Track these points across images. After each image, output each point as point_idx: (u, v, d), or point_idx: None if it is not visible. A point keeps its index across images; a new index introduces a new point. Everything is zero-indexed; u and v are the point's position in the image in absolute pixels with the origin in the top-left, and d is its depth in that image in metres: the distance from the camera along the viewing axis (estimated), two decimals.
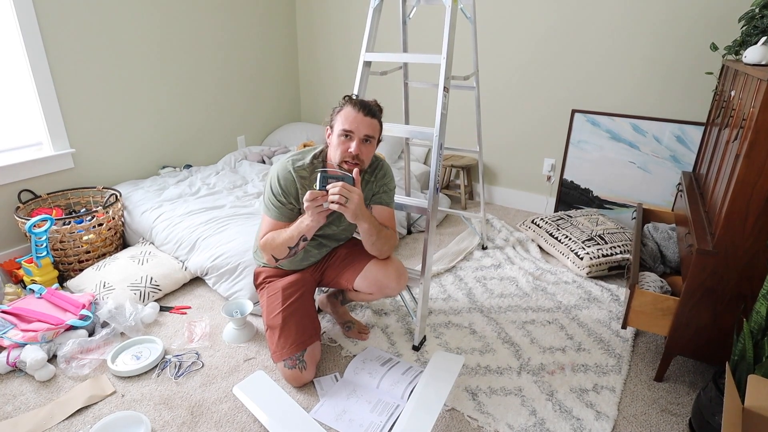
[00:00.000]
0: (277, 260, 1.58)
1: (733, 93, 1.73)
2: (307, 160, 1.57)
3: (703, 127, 2.51)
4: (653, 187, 2.74)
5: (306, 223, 1.45)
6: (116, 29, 2.59)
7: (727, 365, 1.23)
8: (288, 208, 1.56)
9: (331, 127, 1.54)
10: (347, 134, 1.48)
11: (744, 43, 1.92)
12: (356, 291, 1.71)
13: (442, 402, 1.41)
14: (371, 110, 1.51)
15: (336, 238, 1.73)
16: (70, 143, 2.49)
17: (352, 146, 1.48)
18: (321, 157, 1.60)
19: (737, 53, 1.97)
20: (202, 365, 1.71)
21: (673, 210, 2.41)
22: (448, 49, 1.64)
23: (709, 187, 1.80)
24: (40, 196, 2.37)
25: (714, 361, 1.57)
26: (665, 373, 1.67)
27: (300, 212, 1.57)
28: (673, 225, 2.19)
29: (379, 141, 1.57)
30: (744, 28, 1.94)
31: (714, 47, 2.12)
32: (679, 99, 2.56)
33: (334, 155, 1.52)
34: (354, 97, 1.54)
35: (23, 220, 2.08)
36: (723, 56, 2.15)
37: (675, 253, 2.04)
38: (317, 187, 1.37)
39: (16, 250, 2.35)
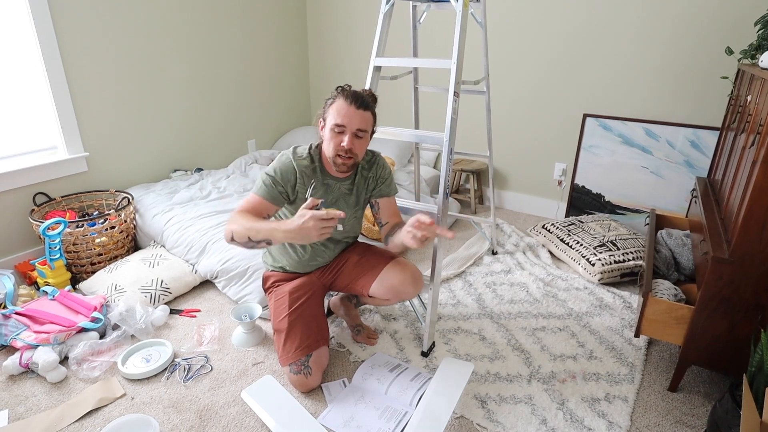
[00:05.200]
0: (233, 239, 1.44)
1: (749, 98, 1.69)
2: (306, 150, 1.57)
3: (718, 132, 2.47)
4: (667, 192, 2.70)
5: (286, 229, 1.31)
6: (131, 35, 2.62)
7: (744, 377, 1.20)
8: (278, 190, 1.51)
9: (324, 120, 1.51)
10: (339, 128, 1.46)
11: (760, 47, 1.89)
12: (371, 297, 1.71)
13: (451, 410, 1.40)
14: (364, 102, 1.46)
15: (339, 238, 1.72)
16: (84, 147, 2.52)
17: (345, 140, 1.46)
18: (318, 150, 1.59)
19: (753, 57, 1.94)
20: (211, 369, 1.72)
21: (687, 216, 2.37)
22: (458, 53, 1.64)
23: (724, 194, 1.76)
24: (55, 199, 2.41)
25: (730, 372, 1.54)
26: (680, 383, 1.63)
27: (289, 201, 1.55)
28: (688, 231, 2.15)
29: (372, 132, 1.54)
30: (760, 31, 1.91)
31: (729, 51, 2.08)
32: (694, 103, 2.53)
33: (327, 149, 1.51)
34: (347, 88, 1.49)
35: (37, 223, 2.12)
36: (739, 60, 2.11)
37: (689, 260, 2.00)
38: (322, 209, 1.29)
39: (31, 252, 2.38)
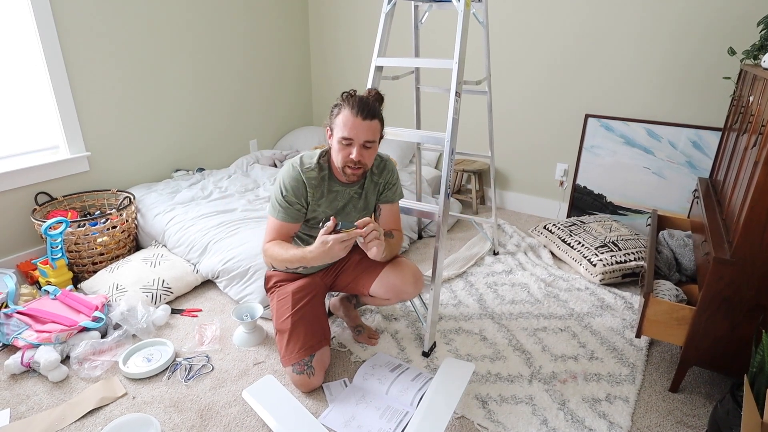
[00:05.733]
0: (274, 268, 1.59)
1: (751, 98, 1.69)
2: (314, 160, 1.56)
3: (720, 133, 2.47)
4: (668, 193, 2.69)
5: (313, 257, 1.42)
6: (133, 35, 2.63)
7: (745, 378, 1.20)
8: (295, 209, 1.54)
9: (331, 129, 1.51)
10: (347, 141, 1.46)
11: (763, 47, 1.88)
12: (372, 296, 1.71)
13: (452, 410, 1.40)
14: (370, 111, 1.45)
15: None
16: (86, 147, 2.53)
17: (353, 153, 1.46)
18: (327, 157, 1.59)
19: (756, 58, 1.93)
20: (212, 368, 1.72)
21: (688, 217, 2.37)
22: (460, 53, 1.64)
23: (726, 194, 1.76)
24: (56, 199, 2.41)
25: (731, 373, 1.53)
26: (681, 383, 1.63)
27: (307, 214, 1.58)
28: (689, 232, 2.15)
29: (381, 137, 1.53)
30: (763, 32, 1.91)
31: (732, 51, 2.08)
32: (696, 104, 2.52)
33: (336, 159, 1.51)
34: (353, 94, 1.47)
35: (39, 222, 2.12)
36: (741, 60, 2.11)
37: (691, 260, 2.00)
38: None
39: (32, 252, 2.39)
